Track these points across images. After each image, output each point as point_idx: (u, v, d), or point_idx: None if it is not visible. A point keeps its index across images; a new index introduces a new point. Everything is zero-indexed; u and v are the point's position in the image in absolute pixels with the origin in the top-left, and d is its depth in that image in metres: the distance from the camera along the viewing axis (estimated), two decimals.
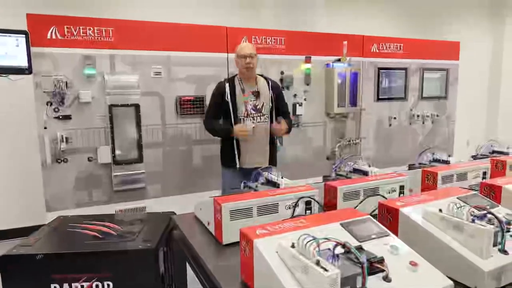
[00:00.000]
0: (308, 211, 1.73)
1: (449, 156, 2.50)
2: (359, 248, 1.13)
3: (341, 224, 1.28)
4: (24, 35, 2.90)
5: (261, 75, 3.08)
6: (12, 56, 2.87)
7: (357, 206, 1.74)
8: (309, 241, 1.01)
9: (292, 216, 1.66)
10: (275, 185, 1.97)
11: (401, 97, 4.96)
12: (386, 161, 4.76)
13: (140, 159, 3.42)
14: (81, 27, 3.16)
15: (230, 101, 2.88)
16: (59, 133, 3.13)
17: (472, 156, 2.80)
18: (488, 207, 1.50)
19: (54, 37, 3.07)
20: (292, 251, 1.05)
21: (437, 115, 5.22)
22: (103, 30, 3.24)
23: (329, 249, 1.02)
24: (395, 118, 4.91)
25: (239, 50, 2.95)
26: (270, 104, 2.99)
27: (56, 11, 3.17)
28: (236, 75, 3.03)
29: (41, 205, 3.21)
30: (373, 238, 1.23)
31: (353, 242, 1.17)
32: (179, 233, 1.86)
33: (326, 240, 1.01)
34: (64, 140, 3.14)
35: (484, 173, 2.24)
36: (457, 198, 1.55)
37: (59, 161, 3.19)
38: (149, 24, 3.45)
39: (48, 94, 3.07)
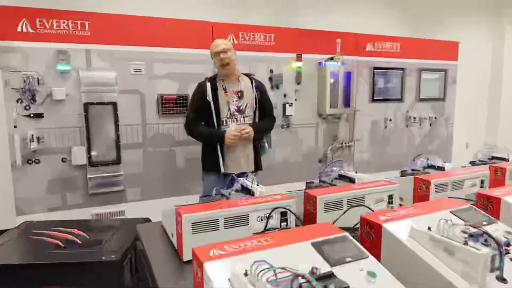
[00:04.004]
0: (283, 223, 1.55)
1: (445, 162, 2.31)
2: (329, 276, 0.94)
3: (312, 244, 1.09)
4: None
5: (246, 74, 2.88)
6: None
7: (337, 219, 1.55)
8: (262, 271, 0.82)
9: (265, 229, 1.47)
10: (249, 192, 1.78)
11: (398, 98, 4.79)
12: (381, 164, 4.59)
13: (118, 161, 3.23)
14: (54, 20, 2.98)
15: (212, 101, 2.69)
16: (30, 132, 2.94)
17: (470, 162, 2.62)
18: (485, 223, 1.33)
19: (24, 30, 2.89)
20: (243, 281, 0.86)
21: (435, 117, 5.06)
22: (78, 23, 3.06)
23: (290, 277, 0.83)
24: (390, 120, 4.73)
25: (212, 49, 2.77)
26: (254, 105, 2.79)
27: (27, 3, 2.97)
28: (217, 74, 2.83)
29: (11, 209, 3.02)
30: (348, 262, 1.04)
31: (324, 267, 0.99)
32: (141, 244, 1.67)
33: (282, 270, 0.82)
34: (36, 139, 2.96)
35: (482, 182, 2.06)
36: (450, 212, 1.37)
37: (30, 162, 3.01)
38: (128, 18, 3.28)
39: (17, 91, 2.89)
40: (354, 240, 1.14)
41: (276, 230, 1.47)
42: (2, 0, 2.92)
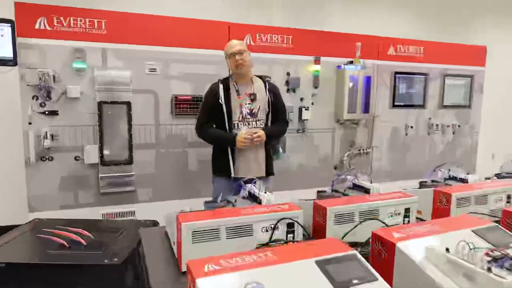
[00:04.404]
0: (290, 235, 1.46)
1: (468, 173, 2.17)
2: None
3: (317, 262, 1.01)
4: (9, 25, 2.74)
5: (259, 76, 2.80)
6: None
7: (348, 233, 1.45)
8: None
9: (270, 241, 1.39)
10: (256, 200, 1.70)
11: (420, 105, 4.60)
12: (400, 173, 4.42)
13: (130, 161, 3.21)
14: (71, 18, 2.98)
15: (224, 103, 2.62)
16: (44, 130, 2.96)
17: (496, 175, 2.45)
18: (511, 244, 1.20)
19: (42, 27, 2.91)
20: None
21: (459, 125, 4.83)
22: (95, 21, 3.05)
23: None
24: (412, 127, 4.55)
25: (227, 49, 2.69)
26: (267, 108, 2.71)
27: (46, 0, 2.99)
28: (231, 75, 2.77)
29: (23, 205, 3.04)
30: (355, 284, 0.95)
31: None
32: (143, 250, 1.62)
33: None
34: (50, 137, 2.96)
35: (509, 197, 1.91)
36: (472, 231, 1.25)
37: (44, 159, 3.02)
38: (145, 17, 3.25)
39: (33, 87, 2.91)
40: (363, 259, 1.04)
41: (282, 242, 1.39)
42: None
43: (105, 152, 3.12)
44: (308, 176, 3.92)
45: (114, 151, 3.16)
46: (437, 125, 4.68)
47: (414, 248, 1.12)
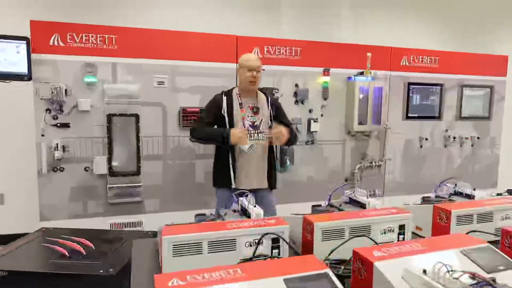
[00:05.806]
0: (275, 250, 1.44)
1: (474, 189, 2.08)
2: None
3: (285, 280, 0.98)
4: (24, 42, 2.88)
5: (261, 90, 2.81)
6: (11, 62, 2.86)
7: (334, 250, 1.41)
8: None
9: (253, 256, 1.37)
10: (246, 213, 1.69)
11: (435, 116, 4.46)
12: (414, 186, 4.27)
13: (137, 172, 3.26)
14: (83, 34, 3.10)
15: (226, 115, 2.64)
16: (55, 141, 3.06)
17: (508, 191, 2.33)
18: (501, 267, 1.14)
19: (56, 43, 3.04)
20: None
21: (478, 137, 4.65)
22: (106, 37, 3.16)
23: None
24: (427, 139, 4.41)
25: (245, 61, 2.68)
26: (269, 122, 2.71)
27: (59, 18, 3.13)
28: (234, 88, 2.78)
29: (35, 214, 3.14)
30: None
31: None
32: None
33: None
34: (61, 148, 3.07)
35: None
36: (461, 251, 1.19)
37: (55, 170, 3.12)
38: (153, 32, 3.33)
39: (46, 101, 3.03)
40: (334, 278, 1.01)
41: (265, 258, 1.37)
42: (37, 15, 3.10)
43: (114, 163, 3.20)
44: (318, 189, 3.84)
45: (122, 162, 3.24)
46: (454, 137, 4.52)
47: (392, 268, 1.07)
